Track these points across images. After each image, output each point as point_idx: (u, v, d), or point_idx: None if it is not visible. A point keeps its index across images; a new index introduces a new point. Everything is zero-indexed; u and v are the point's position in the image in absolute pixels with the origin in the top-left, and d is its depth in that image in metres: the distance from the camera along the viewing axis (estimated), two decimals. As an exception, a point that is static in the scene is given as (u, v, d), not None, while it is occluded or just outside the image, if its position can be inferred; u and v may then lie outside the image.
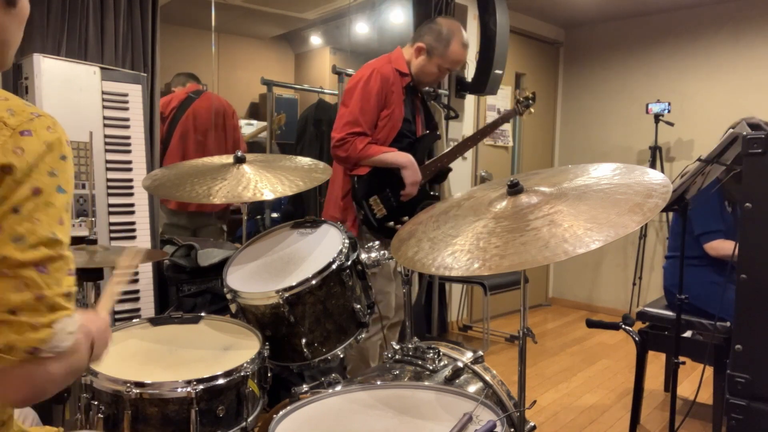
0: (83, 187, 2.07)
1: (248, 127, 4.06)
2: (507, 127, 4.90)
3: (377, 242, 1.74)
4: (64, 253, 0.77)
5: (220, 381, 1.29)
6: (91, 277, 1.60)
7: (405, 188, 2.34)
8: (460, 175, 4.37)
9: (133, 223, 2.21)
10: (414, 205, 2.40)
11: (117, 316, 2.16)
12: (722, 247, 2.51)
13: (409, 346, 1.61)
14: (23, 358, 0.73)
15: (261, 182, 1.80)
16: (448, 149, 2.56)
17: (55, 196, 0.77)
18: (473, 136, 2.62)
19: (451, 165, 2.58)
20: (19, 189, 0.74)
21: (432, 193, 2.51)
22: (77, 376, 0.84)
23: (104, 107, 2.15)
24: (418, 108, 2.53)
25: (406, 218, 2.30)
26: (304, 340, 1.58)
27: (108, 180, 2.15)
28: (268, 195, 1.76)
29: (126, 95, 2.21)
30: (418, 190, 2.39)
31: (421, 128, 2.54)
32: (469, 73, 4.29)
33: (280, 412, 1.22)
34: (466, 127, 4.40)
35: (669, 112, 4.45)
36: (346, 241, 1.63)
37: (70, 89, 2.06)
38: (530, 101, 2.68)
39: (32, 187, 0.75)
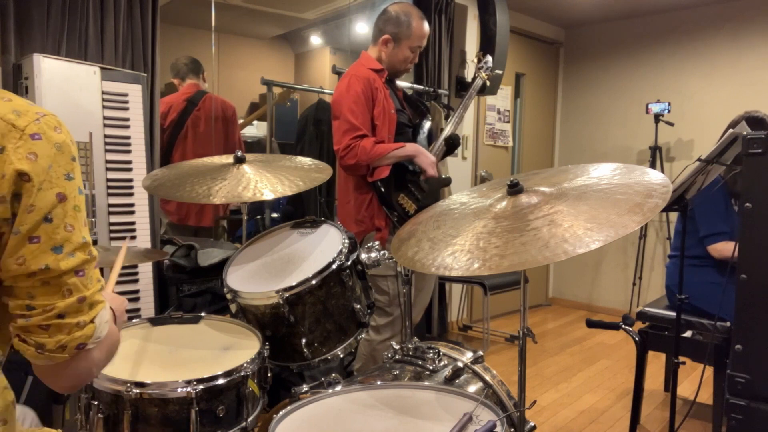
0: (83, 187, 2.07)
1: (249, 128, 4.06)
2: (507, 127, 4.90)
3: (377, 242, 1.74)
4: (94, 253, 0.83)
5: (220, 381, 1.29)
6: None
7: (425, 174, 2.36)
8: (461, 174, 4.37)
9: (133, 223, 2.21)
10: (435, 191, 2.45)
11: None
12: (726, 249, 2.50)
13: (409, 346, 1.61)
14: (73, 354, 0.81)
15: (261, 182, 1.80)
16: (446, 126, 2.57)
17: (79, 198, 0.81)
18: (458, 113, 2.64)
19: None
20: (44, 196, 0.76)
21: (443, 176, 2.53)
22: (116, 350, 0.93)
23: (104, 107, 2.15)
24: (402, 100, 2.57)
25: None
26: (304, 340, 1.58)
27: (108, 180, 2.15)
28: (268, 195, 1.76)
29: (126, 95, 2.21)
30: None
31: (412, 117, 2.57)
32: (469, 73, 4.29)
33: (280, 412, 1.22)
34: (466, 126, 4.40)
35: (669, 112, 4.45)
36: (346, 241, 1.63)
37: (70, 89, 2.06)
38: (483, 64, 2.75)
39: (56, 193, 0.77)
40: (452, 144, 2.55)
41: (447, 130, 2.53)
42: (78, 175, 0.81)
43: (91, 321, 0.81)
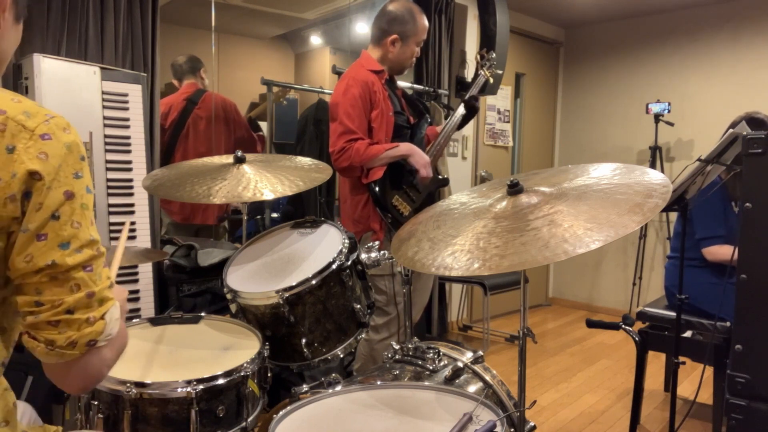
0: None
1: (248, 127, 4.06)
2: (507, 126, 4.90)
3: (377, 242, 1.74)
4: (101, 249, 0.83)
5: (220, 381, 1.29)
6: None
7: (419, 174, 2.35)
8: (460, 174, 4.37)
9: (133, 223, 2.21)
10: (431, 192, 2.45)
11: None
12: (720, 252, 2.51)
13: (409, 346, 1.61)
14: (84, 351, 0.79)
15: (261, 182, 1.80)
16: (444, 126, 2.56)
17: (87, 197, 0.82)
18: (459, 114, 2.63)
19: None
20: (53, 194, 0.77)
21: (440, 176, 2.52)
22: (124, 349, 0.91)
23: (104, 107, 2.15)
24: (402, 99, 2.57)
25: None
26: (304, 340, 1.58)
27: (108, 180, 2.15)
28: (268, 195, 1.76)
29: (126, 95, 2.21)
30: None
31: (411, 118, 2.57)
32: (469, 73, 4.29)
33: (280, 412, 1.22)
34: (466, 127, 4.39)
35: (669, 112, 4.45)
36: (346, 241, 1.63)
37: (70, 89, 2.05)
38: (487, 61, 2.75)
39: (64, 191, 0.78)
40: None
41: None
42: (87, 174, 0.83)
43: (101, 317, 0.81)
